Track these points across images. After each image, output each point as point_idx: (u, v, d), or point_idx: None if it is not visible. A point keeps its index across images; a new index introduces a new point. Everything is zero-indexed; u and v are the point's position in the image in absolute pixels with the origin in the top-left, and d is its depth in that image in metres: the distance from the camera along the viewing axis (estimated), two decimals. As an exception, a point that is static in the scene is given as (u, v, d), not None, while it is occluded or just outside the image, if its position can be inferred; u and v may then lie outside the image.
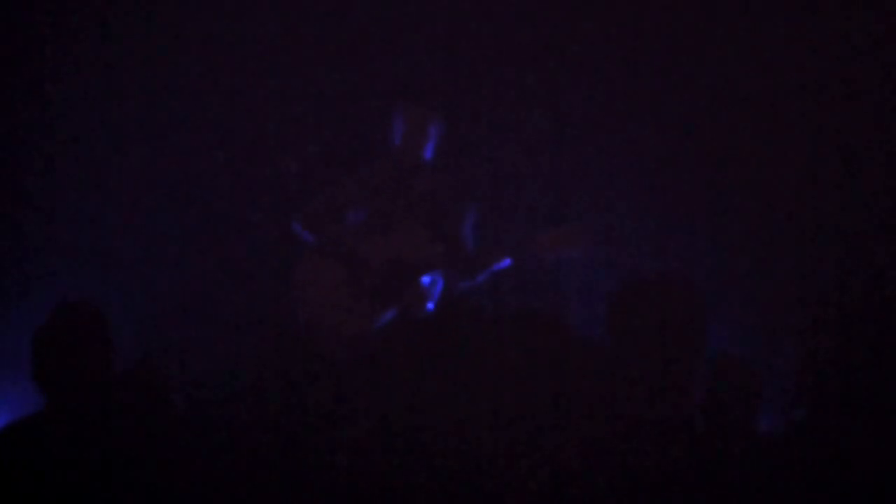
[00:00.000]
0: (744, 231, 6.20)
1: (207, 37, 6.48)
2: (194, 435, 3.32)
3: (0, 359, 6.13)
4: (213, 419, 3.26)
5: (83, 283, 6.16)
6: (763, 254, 6.18)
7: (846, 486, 3.03)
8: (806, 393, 3.27)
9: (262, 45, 6.48)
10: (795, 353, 3.58)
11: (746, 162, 6.22)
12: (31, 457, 3.36)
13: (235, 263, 6.45)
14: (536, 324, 2.97)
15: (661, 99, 6.31)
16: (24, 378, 5.68)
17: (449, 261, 5.55)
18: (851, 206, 6.09)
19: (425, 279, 5.54)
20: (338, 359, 3.67)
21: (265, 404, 3.14)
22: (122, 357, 3.72)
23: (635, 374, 3.03)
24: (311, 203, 5.74)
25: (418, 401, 3.02)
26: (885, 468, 3.03)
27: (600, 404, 2.96)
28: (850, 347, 3.28)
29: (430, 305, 5.51)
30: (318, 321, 5.40)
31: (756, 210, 6.20)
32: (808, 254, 6.08)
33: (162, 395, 3.52)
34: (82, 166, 6.49)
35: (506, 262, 5.53)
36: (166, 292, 6.41)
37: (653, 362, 3.05)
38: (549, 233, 5.42)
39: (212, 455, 3.14)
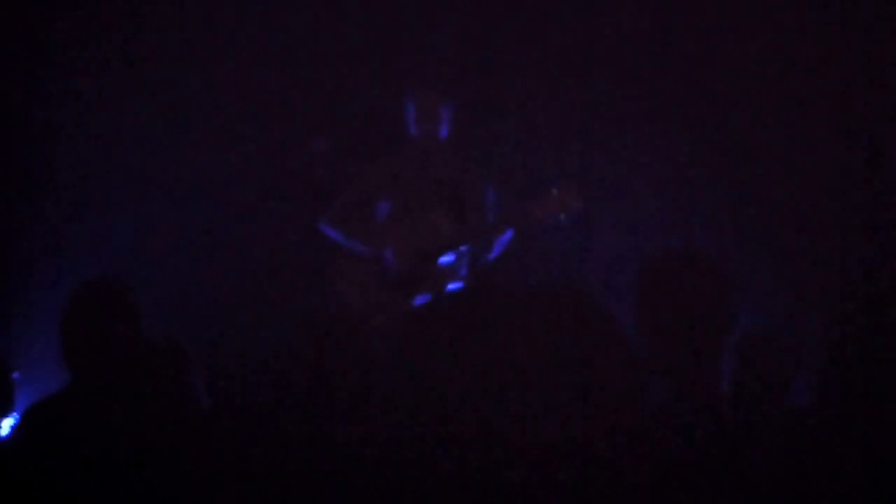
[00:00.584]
0: (769, 215, 6.20)
1: (233, 31, 6.52)
2: (218, 419, 3.32)
3: (27, 340, 6.20)
4: (238, 405, 3.27)
5: (114, 269, 6.19)
6: (790, 237, 6.18)
7: (878, 463, 2.99)
8: (834, 371, 3.26)
9: (285, 37, 6.51)
10: (823, 330, 3.59)
11: (773, 145, 6.21)
12: (57, 434, 3.35)
13: (266, 252, 6.48)
14: (567, 300, 2.97)
15: (684, 85, 6.32)
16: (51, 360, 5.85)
17: (469, 239, 5.61)
18: (879, 191, 6.09)
19: (446, 259, 5.61)
20: (370, 347, 3.70)
21: (292, 391, 3.14)
22: (150, 338, 3.72)
23: (663, 348, 3.04)
24: (334, 202, 5.81)
25: (446, 387, 3.02)
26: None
27: (628, 381, 2.96)
28: (879, 324, 3.27)
29: (454, 285, 5.58)
30: (352, 315, 5.46)
31: (784, 194, 6.19)
32: (835, 235, 6.08)
33: (185, 377, 3.52)
34: (116, 158, 6.54)
35: (508, 233, 5.63)
36: (199, 281, 6.45)
37: (681, 337, 3.05)
38: (537, 200, 5.50)
39: (236, 441, 3.14)
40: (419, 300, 5.62)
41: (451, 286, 5.63)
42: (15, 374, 3.72)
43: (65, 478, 3.19)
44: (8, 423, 5.54)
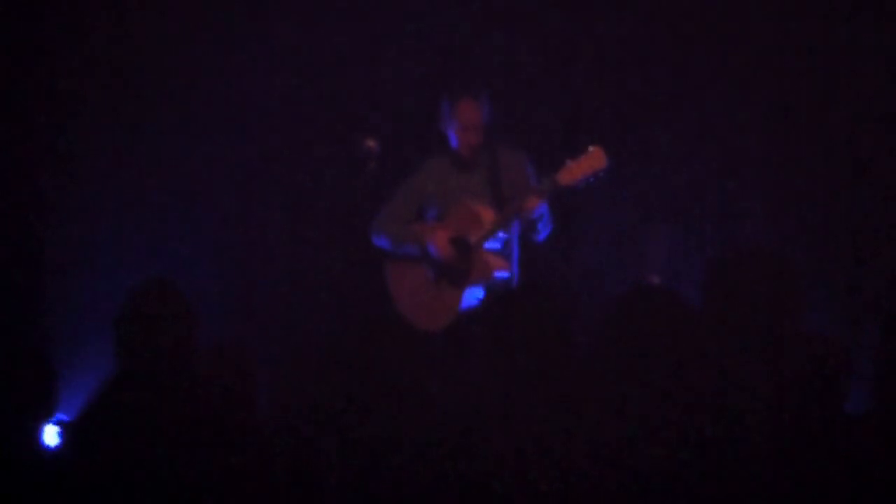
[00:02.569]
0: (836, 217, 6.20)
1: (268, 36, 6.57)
2: (278, 422, 3.32)
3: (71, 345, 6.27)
4: (297, 408, 3.27)
5: (167, 268, 6.25)
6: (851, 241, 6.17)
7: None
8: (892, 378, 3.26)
9: (328, 38, 6.54)
10: (880, 335, 3.58)
11: (835, 146, 6.21)
12: (112, 438, 3.34)
13: (320, 255, 6.53)
14: (652, 295, 3.02)
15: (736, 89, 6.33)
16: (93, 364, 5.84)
17: (507, 221, 5.67)
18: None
19: (492, 245, 5.69)
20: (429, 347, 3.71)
21: (350, 393, 3.16)
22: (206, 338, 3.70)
23: (729, 343, 3.07)
24: (380, 210, 5.88)
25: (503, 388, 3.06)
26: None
27: (694, 371, 2.99)
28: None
29: (502, 273, 5.68)
30: (409, 320, 5.52)
31: (848, 197, 6.18)
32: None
33: (246, 377, 3.51)
34: (166, 162, 6.56)
35: (543, 207, 5.65)
36: (255, 280, 6.50)
37: (748, 331, 3.09)
38: (568, 164, 5.52)
39: (295, 444, 3.15)
40: (469, 291, 5.68)
41: (499, 274, 5.68)
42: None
43: (119, 483, 3.21)
44: (52, 428, 5.59)
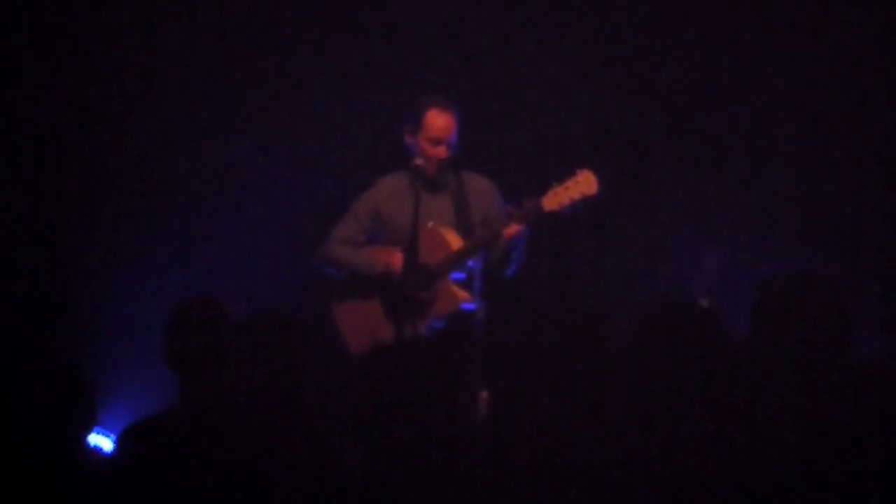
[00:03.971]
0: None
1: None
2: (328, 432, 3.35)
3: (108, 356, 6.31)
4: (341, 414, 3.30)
5: (211, 282, 6.26)
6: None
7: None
8: None
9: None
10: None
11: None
12: (168, 446, 3.37)
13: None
14: (688, 315, 3.01)
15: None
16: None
17: (474, 250, 5.24)
18: None
19: (457, 276, 5.26)
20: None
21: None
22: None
23: (777, 369, 3.05)
24: (330, 236, 5.48)
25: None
26: None
27: (739, 398, 2.98)
28: None
29: (468, 305, 5.25)
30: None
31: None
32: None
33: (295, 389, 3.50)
34: (208, 174, 6.59)
35: (520, 243, 5.20)
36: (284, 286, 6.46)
37: (795, 358, 3.06)
38: (554, 188, 5.10)
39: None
40: (432, 324, 5.24)
41: (467, 306, 5.25)
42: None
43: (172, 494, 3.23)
44: (97, 438, 5.60)
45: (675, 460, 2.91)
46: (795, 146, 6.25)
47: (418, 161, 5.27)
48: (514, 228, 5.10)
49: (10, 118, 6.37)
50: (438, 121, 5.26)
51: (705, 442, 2.92)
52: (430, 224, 5.26)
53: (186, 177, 6.54)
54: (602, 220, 6.13)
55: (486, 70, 6.39)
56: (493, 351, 4.70)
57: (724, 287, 5.91)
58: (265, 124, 6.55)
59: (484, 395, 3.24)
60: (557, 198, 5.07)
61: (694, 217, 6.33)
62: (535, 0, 6.39)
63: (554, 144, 6.29)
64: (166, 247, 6.52)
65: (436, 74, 6.25)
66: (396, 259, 5.23)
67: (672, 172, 6.35)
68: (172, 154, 6.53)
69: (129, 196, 6.50)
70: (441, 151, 5.26)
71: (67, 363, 3.36)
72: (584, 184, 5.07)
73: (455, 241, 5.21)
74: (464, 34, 6.41)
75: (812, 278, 3.18)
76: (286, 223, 6.52)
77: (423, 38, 6.41)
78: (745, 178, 6.30)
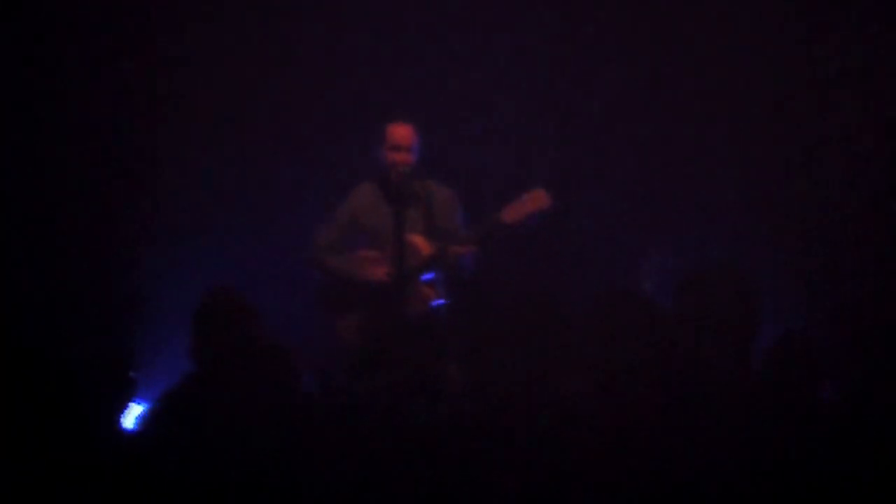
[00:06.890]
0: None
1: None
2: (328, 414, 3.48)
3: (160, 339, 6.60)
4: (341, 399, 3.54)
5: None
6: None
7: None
8: (861, 366, 3.62)
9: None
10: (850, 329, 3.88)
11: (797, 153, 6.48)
12: (186, 424, 3.46)
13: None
14: (630, 301, 3.49)
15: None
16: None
17: (441, 259, 5.85)
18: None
19: (427, 277, 5.89)
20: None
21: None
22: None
23: (691, 337, 3.51)
24: (310, 241, 6.04)
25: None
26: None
27: (664, 357, 3.41)
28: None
29: (437, 302, 5.85)
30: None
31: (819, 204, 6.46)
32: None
33: (290, 374, 3.65)
34: (235, 174, 7.00)
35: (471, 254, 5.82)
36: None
37: (713, 337, 3.54)
38: (513, 203, 5.76)
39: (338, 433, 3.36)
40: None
41: (436, 303, 5.85)
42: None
43: (191, 465, 3.35)
44: (131, 413, 5.83)
45: (615, 399, 3.31)
46: (736, 147, 6.64)
47: (384, 168, 5.92)
48: (468, 249, 5.82)
49: (58, 123, 6.72)
50: (397, 131, 5.89)
51: (640, 387, 3.32)
52: (403, 234, 5.86)
53: (226, 184, 6.93)
54: (563, 219, 6.57)
55: (450, 90, 6.85)
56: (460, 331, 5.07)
57: (666, 276, 6.29)
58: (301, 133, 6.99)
59: (453, 368, 3.67)
60: (516, 211, 5.76)
61: (646, 215, 6.77)
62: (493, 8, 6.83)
63: (516, 152, 6.80)
64: (201, 248, 6.88)
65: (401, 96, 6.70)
66: (381, 273, 5.84)
67: (626, 174, 6.81)
68: (213, 153, 6.89)
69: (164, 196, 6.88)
70: (401, 157, 5.87)
71: (116, 356, 3.56)
72: (538, 199, 5.76)
73: (426, 247, 5.85)
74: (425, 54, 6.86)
75: (723, 268, 3.69)
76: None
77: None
78: (690, 175, 6.72)
